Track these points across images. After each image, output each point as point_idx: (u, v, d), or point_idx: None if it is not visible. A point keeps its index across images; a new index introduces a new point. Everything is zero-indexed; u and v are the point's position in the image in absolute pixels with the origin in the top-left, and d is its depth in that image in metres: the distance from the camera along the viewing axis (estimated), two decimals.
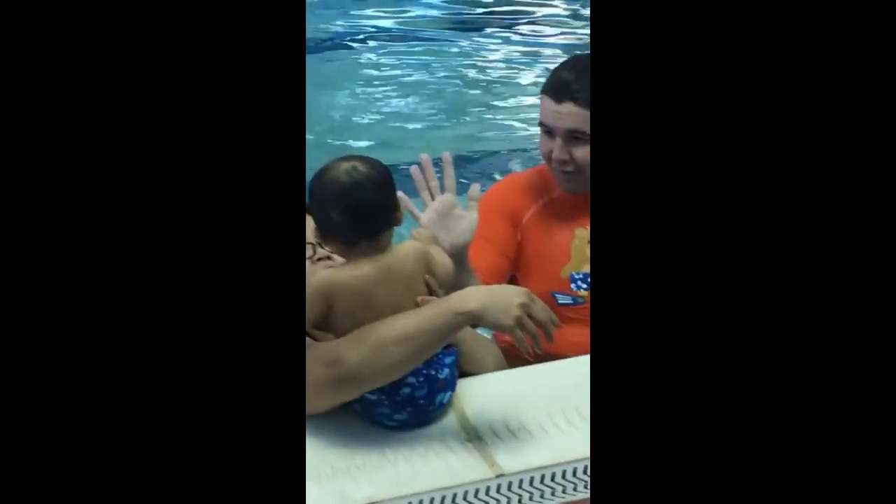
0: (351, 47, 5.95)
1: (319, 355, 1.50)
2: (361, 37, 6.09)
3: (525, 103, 5.01)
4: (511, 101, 5.17)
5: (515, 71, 5.60)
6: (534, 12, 6.45)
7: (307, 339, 1.54)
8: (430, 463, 1.48)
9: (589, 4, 1.32)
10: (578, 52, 2.20)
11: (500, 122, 4.95)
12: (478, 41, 6.05)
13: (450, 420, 1.57)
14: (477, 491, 1.43)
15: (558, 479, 1.45)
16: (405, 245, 1.55)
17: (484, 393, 1.63)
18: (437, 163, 1.91)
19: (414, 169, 1.89)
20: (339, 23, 6.26)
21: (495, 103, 5.17)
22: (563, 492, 1.43)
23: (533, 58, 5.74)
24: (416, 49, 5.91)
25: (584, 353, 1.45)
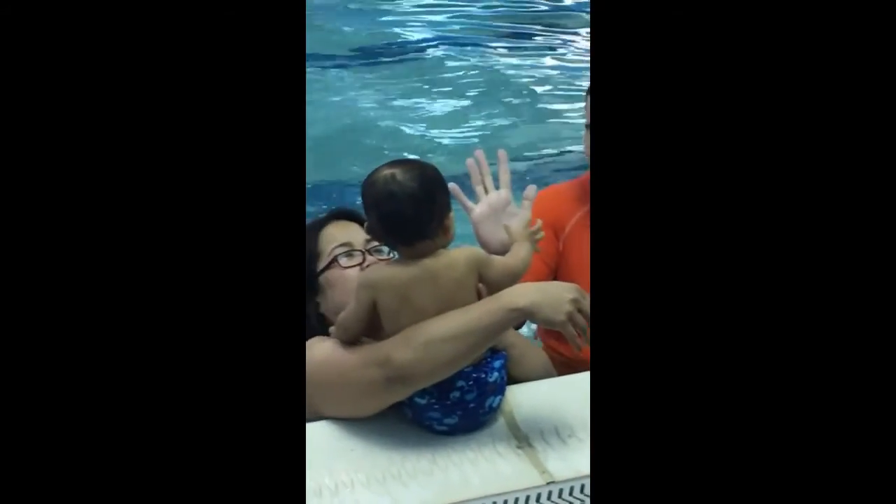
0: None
1: (369, 356, 1.50)
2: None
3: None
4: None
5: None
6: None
7: (330, 335, 1.57)
8: (481, 469, 1.48)
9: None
10: None
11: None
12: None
13: (499, 426, 1.57)
14: (528, 498, 1.42)
15: None
16: (458, 251, 1.54)
17: (533, 399, 1.63)
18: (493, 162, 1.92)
19: (469, 161, 1.91)
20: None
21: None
22: None
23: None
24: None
25: None
